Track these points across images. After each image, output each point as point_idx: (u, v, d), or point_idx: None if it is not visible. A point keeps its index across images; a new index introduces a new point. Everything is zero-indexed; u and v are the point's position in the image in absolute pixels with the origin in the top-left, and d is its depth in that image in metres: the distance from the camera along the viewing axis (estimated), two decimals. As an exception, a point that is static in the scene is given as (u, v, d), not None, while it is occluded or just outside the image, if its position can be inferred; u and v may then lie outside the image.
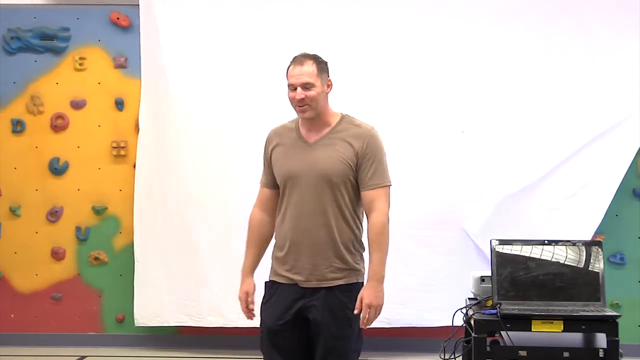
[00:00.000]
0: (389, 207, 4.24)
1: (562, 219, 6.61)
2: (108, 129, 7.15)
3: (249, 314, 4.36)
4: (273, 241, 4.40)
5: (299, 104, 4.17)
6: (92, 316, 7.20)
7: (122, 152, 7.10)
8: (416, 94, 6.71)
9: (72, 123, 7.16)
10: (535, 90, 6.73)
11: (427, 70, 6.76)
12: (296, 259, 4.23)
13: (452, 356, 4.81)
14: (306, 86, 4.16)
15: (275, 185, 4.35)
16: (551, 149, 6.69)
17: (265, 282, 4.36)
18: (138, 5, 6.92)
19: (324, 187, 4.20)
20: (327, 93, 4.26)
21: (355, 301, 4.15)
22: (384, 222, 4.19)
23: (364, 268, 4.29)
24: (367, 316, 4.10)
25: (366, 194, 4.23)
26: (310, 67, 4.19)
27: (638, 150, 6.71)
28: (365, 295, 4.13)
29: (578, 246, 4.81)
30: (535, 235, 6.00)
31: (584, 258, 4.77)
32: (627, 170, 6.69)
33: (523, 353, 4.49)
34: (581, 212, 6.63)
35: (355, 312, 4.12)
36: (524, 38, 6.75)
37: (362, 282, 4.24)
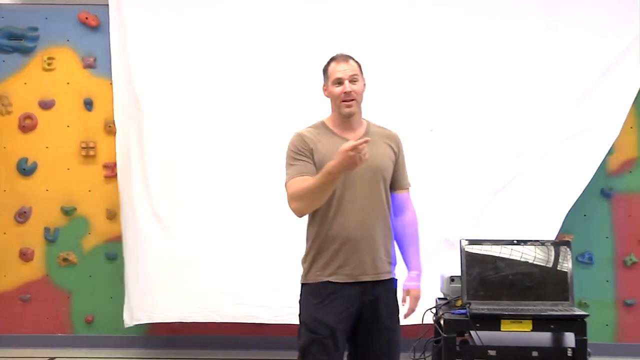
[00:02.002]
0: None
1: (529, 218, 6.63)
2: (77, 130, 7.11)
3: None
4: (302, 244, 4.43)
5: (347, 98, 4.25)
6: (61, 317, 7.17)
7: (91, 153, 7.06)
8: (383, 92, 6.69)
9: (40, 123, 7.12)
10: (506, 89, 6.73)
11: (393, 67, 6.76)
12: (353, 253, 4.27)
13: (422, 356, 4.83)
14: (354, 79, 4.27)
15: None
16: (520, 148, 6.71)
17: (308, 284, 4.34)
18: (107, 5, 6.86)
19: (379, 182, 4.31)
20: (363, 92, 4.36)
21: (396, 296, 4.37)
22: (415, 214, 4.50)
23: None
24: (413, 308, 4.33)
25: (403, 194, 4.48)
26: (354, 64, 4.32)
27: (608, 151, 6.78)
28: (412, 288, 4.38)
29: (547, 246, 4.84)
30: (502, 234, 6.02)
31: (552, 258, 4.80)
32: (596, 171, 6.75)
33: (492, 352, 4.52)
34: (546, 212, 6.66)
35: (402, 303, 4.27)
36: (495, 36, 6.75)
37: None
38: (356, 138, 4.15)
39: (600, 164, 6.72)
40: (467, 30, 6.77)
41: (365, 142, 3.89)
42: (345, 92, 4.25)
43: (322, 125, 4.39)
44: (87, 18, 7.07)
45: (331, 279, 4.28)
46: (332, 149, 4.12)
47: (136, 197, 6.74)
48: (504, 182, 6.70)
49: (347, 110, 4.28)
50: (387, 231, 4.36)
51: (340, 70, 4.28)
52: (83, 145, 7.08)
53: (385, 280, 4.34)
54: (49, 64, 7.11)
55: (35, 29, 7.11)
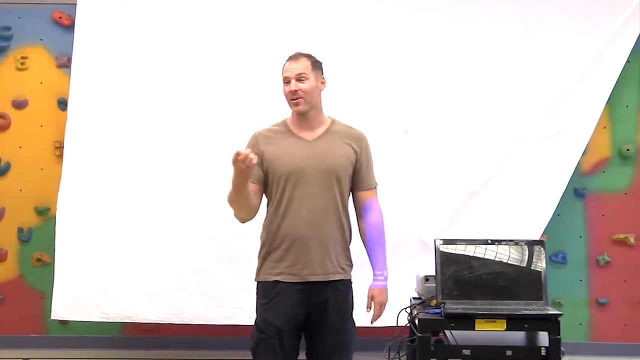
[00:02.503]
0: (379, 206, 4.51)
1: (506, 220, 6.66)
2: (50, 129, 7.08)
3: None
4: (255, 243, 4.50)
5: (293, 97, 4.33)
6: (35, 318, 7.12)
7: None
8: (358, 93, 6.71)
9: (13, 123, 7.08)
10: (481, 91, 6.75)
11: (368, 68, 6.77)
12: (301, 253, 4.33)
13: (397, 355, 4.83)
14: (300, 78, 4.32)
15: (261, 181, 4.42)
16: (496, 150, 6.74)
17: (260, 282, 4.42)
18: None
19: (331, 182, 4.36)
20: (320, 90, 4.42)
21: (350, 297, 4.43)
22: (383, 221, 4.41)
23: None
24: (378, 314, 4.33)
25: (364, 194, 4.45)
26: (305, 62, 4.39)
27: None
28: (377, 293, 4.43)
29: (521, 245, 4.87)
30: (478, 236, 6.04)
31: (526, 257, 4.83)
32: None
33: (467, 352, 4.53)
34: (528, 213, 6.69)
35: (367, 310, 4.24)
36: (471, 38, 6.78)
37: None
38: (314, 137, 4.33)
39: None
40: (442, 32, 6.77)
41: (247, 154, 4.00)
42: (290, 91, 4.31)
43: (284, 124, 4.49)
44: (60, 17, 7.04)
45: (279, 278, 4.35)
46: (285, 148, 4.32)
47: (89, 195, 6.75)
48: (480, 184, 6.73)
49: (295, 108, 4.37)
50: (341, 232, 4.40)
51: (287, 69, 4.39)
52: (57, 145, 7.05)
53: (336, 281, 4.34)
54: (22, 64, 7.07)
55: (8, 28, 7.07)
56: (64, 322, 7.03)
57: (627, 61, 6.81)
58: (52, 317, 6.68)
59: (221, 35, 6.82)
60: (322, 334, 4.34)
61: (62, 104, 7.03)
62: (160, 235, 6.69)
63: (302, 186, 4.32)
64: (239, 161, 4.05)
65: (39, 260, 7.08)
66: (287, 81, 4.37)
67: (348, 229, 4.48)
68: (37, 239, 7.10)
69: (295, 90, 4.33)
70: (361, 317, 6.57)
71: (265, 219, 4.50)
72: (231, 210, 6.40)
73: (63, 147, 6.97)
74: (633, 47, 6.79)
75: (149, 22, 6.84)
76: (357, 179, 4.39)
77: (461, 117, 6.74)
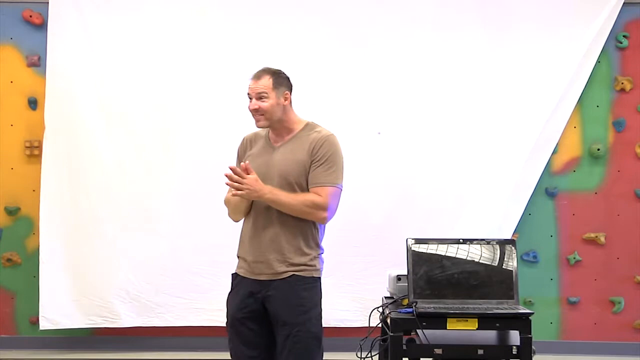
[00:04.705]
0: (335, 207, 4.58)
1: (481, 219, 6.70)
2: (21, 129, 7.02)
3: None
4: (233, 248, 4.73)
5: (254, 114, 4.54)
6: (5, 318, 7.07)
7: (35, 152, 6.97)
8: (330, 95, 6.73)
9: (-17, 122, 7.04)
10: (453, 92, 6.79)
11: (340, 70, 6.79)
12: (253, 254, 4.54)
13: (369, 355, 4.84)
14: (260, 96, 4.51)
15: None
16: (467, 150, 6.77)
17: (232, 274, 4.67)
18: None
19: (283, 186, 4.50)
20: (283, 105, 4.57)
21: (309, 292, 4.51)
22: (319, 204, 4.48)
23: (319, 266, 4.62)
24: (244, 181, 4.36)
25: (313, 190, 4.52)
26: (266, 81, 4.54)
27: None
28: (254, 182, 4.40)
29: (492, 245, 4.88)
30: (453, 236, 6.06)
31: (498, 256, 4.84)
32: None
33: (438, 351, 4.54)
34: (499, 213, 6.73)
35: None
36: (442, 39, 6.82)
37: (318, 278, 4.59)
38: (279, 144, 4.59)
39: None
40: (414, 35, 6.83)
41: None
42: (251, 109, 4.56)
43: (266, 130, 4.69)
44: (31, 16, 6.99)
45: (238, 271, 4.65)
46: (257, 152, 4.61)
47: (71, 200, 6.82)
48: (451, 184, 6.76)
49: (256, 124, 4.61)
50: (295, 235, 4.53)
51: (250, 87, 4.58)
52: (27, 144, 6.99)
53: (284, 278, 4.51)
54: (-9, 62, 7.03)
55: (-23, 27, 7.03)
56: (33, 323, 6.99)
57: (598, 61, 6.86)
58: (41, 328, 6.78)
59: (198, 31, 6.85)
60: (277, 326, 4.52)
61: (33, 104, 6.99)
62: (144, 244, 6.80)
63: None
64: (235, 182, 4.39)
65: (9, 260, 7.03)
66: (249, 98, 4.58)
67: (303, 231, 4.56)
68: (7, 239, 7.04)
69: (256, 109, 4.53)
70: (334, 318, 6.62)
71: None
72: (209, 215, 6.59)
73: (33, 146, 6.94)
74: (603, 48, 6.85)
75: (124, 20, 6.85)
76: (310, 179, 4.51)
77: (433, 119, 6.79)
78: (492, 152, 6.77)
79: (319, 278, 4.61)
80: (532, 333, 4.56)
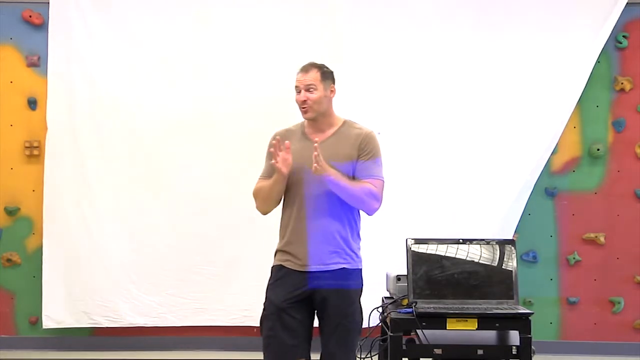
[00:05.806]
0: (381, 199, 4.64)
1: (481, 219, 6.70)
2: (21, 129, 7.02)
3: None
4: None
5: (302, 105, 4.63)
6: (5, 318, 7.06)
7: (35, 152, 6.97)
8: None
9: (-17, 123, 7.04)
10: (452, 92, 6.80)
11: (341, 70, 6.77)
12: (301, 245, 4.58)
13: (369, 355, 4.85)
14: (309, 88, 4.61)
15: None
16: (467, 150, 6.77)
17: (273, 266, 4.69)
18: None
19: None
20: (330, 98, 4.71)
21: (356, 282, 4.65)
22: (375, 194, 4.59)
23: (361, 257, 4.73)
24: (318, 161, 4.42)
25: (365, 182, 4.59)
26: (314, 74, 4.67)
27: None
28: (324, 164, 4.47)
29: (492, 245, 4.88)
30: (449, 236, 6.07)
31: (497, 256, 4.84)
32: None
33: (438, 351, 4.54)
34: (499, 213, 6.73)
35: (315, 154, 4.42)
36: (442, 39, 6.81)
37: (361, 269, 4.69)
38: (323, 139, 4.61)
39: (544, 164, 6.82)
40: (413, 35, 6.84)
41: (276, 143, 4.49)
42: (300, 100, 4.64)
43: (301, 125, 4.79)
44: (30, 16, 6.98)
45: (283, 263, 4.63)
46: (296, 148, 4.59)
47: (71, 199, 6.84)
48: (451, 183, 6.76)
49: (304, 115, 4.68)
50: (341, 226, 4.60)
51: (298, 79, 4.68)
52: (27, 144, 6.99)
53: (334, 270, 4.55)
54: (-9, 62, 7.03)
55: (-23, 27, 7.03)
56: (33, 323, 6.99)
57: (597, 61, 6.86)
58: (44, 327, 6.83)
59: (198, 31, 6.87)
60: (324, 315, 4.59)
61: (32, 104, 6.98)
62: (146, 244, 6.83)
63: (307, 185, 4.60)
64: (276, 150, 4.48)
65: (9, 260, 7.03)
66: (297, 91, 4.68)
67: (350, 223, 4.66)
68: (7, 239, 7.04)
69: (305, 100, 4.63)
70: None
71: (282, 214, 4.76)
72: (211, 215, 6.59)
73: (33, 147, 6.94)
74: (603, 48, 6.84)
75: (125, 20, 6.86)
76: (359, 171, 4.56)
77: (433, 119, 6.80)
78: (491, 152, 6.77)
79: (362, 270, 4.71)
80: (532, 333, 4.56)
